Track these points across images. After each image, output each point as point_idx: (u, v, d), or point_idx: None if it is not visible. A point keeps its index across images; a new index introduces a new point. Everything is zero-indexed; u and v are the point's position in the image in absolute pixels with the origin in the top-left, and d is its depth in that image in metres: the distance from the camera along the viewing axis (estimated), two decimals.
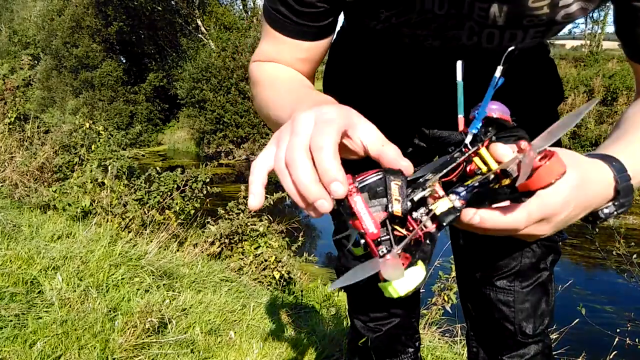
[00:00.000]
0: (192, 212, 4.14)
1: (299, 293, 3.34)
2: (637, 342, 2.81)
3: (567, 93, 11.86)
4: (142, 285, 2.18)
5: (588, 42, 18.72)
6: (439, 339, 2.31)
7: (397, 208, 0.44)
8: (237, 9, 19.87)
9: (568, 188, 0.50)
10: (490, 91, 0.49)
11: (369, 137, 0.49)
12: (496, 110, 0.49)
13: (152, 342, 1.72)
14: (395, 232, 0.46)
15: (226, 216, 4.05)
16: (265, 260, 3.71)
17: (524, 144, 0.42)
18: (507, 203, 0.49)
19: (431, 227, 0.46)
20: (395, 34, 0.79)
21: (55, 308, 1.79)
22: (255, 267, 3.65)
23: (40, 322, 1.70)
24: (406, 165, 0.47)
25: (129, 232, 3.47)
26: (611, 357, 2.48)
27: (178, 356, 1.71)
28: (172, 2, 18.64)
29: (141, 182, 4.06)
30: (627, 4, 0.66)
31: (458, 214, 0.46)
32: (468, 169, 0.48)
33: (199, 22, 18.30)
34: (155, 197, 3.99)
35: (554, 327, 2.67)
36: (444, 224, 0.46)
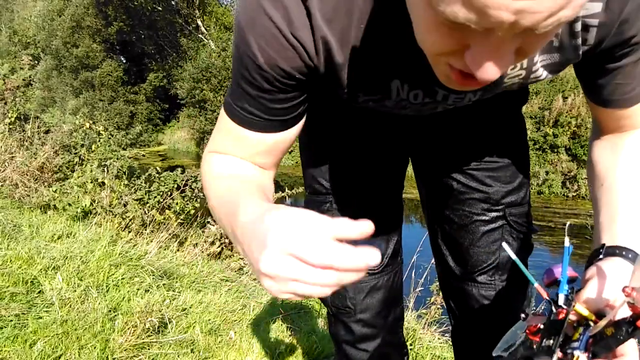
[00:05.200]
0: (192, 212, 4.14)
1: None
2: (638, 342, 2.81)
3: (567, 93, 11.86)
4: (142, 285, 2.18)
5: None
6: (438, 338, 2.31)
7: None
8: None
9: None
10: (567, 257, 0.59)
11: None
12: (570, 270, 0.60)
13: (152, 342, 1.72)
14: None
15: None
16: None
17: (628, 289, 0.48)
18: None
19: None
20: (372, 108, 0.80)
21: (56, 308, 1.79)
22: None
23: (41, 322, 1.70)
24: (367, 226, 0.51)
25: (129, 232, 3.47)
26: None
27: (178, 356, 1.71)
28: (172, 2, 18.65)
29: (141, 182, 4.06)
30: (589, 65, 0.68)
31: None
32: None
33: (199, 22, 18.31)
34: (155, 197, 3.99)
35: None
36: None
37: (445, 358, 2.08)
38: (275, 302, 2.57)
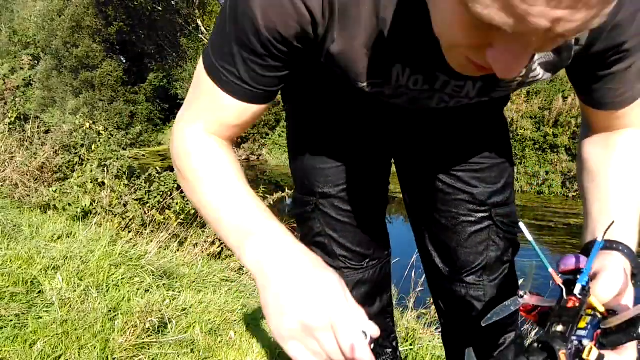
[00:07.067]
0: (193, 211, 4.14)
1: None
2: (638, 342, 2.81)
3: (567, 93, 11.86)
4: (142, 285, 2.18)
5: None
6: (438, 338, 2.30)
7: None
8: None
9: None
10: (595, 252, 0.59)
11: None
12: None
13: (152, 342, 1.72)
14: None
15: None
16: None
17: None
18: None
19: None
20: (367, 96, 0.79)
21: (56, 308, 1.79)
22: None
23: (41, 322, 1.70)
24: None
25: (129, 232, 3.47)
26: None
27: (178, 356, 1.71)
28: (172, 2, 18.65)
29: (141, 182, 4.07)
30: (581, 69, 0.69)
31: (603, 358, 0.54)
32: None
33: (199, 22, 18.31)
34: (155, 197, 3.99)
35: None
36: None
37: (445, 358, 2.08)
38: None
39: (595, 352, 0.53)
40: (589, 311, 0.58)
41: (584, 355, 0.53)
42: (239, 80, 0.66)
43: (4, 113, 5.28)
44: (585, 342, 0.55)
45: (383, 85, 0.72)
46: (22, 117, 5.49)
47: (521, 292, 0.61)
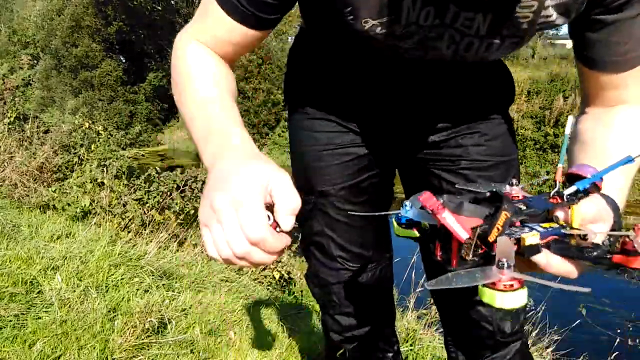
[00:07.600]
0: (192, 212, 4.13)
1: (299, 293, 3.34)
2: (638, 342, 2.81)
3: (567, 93, 11.87)
4: (141, 286, 2.17)
5: None
6: (438, 339, 2.30)
7: (493, 237, 0.49)
8: None
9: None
10: (618, 165, 0.55)
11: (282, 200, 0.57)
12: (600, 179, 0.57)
13: (151, 343, 1.71)
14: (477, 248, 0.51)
15: None
16: None
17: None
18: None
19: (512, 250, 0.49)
20: (374, 46, 0.77)
21: (55, 308, 1.79)
22: (255, 267, 3.65)
23: (40, 322, 1.69)
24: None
25: (129, 232, 3.47)
26: (612, 358, 2.48)
27: (178, 356, 1.71)
28: (172, 2, 18.65)
29: (141, 182, 4.06)
30: (587, 16, 0.68)
31: (538, 252, 0.50)
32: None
33: None
34: (155, 197, 3.98)
35: (555, 328, 2.67)
36: (525, 255, 0.50)
37: (445, 359, 2.08)
38: (275, 302, 2.57)
39: (535, 239, 0.49)
40: (562, 222, 0.53)
41: (523, 235, 0.49)
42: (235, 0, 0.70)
43: (3, 113, 5.27)
44: (535, 232, 0.50)
45: (393, 24, 0.71)
46: (21, 117, 5.47)
47: (514, 180, 0.57)
